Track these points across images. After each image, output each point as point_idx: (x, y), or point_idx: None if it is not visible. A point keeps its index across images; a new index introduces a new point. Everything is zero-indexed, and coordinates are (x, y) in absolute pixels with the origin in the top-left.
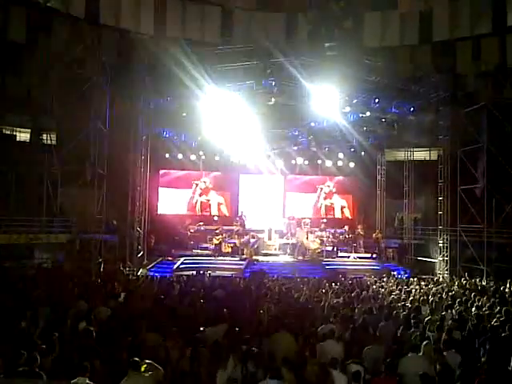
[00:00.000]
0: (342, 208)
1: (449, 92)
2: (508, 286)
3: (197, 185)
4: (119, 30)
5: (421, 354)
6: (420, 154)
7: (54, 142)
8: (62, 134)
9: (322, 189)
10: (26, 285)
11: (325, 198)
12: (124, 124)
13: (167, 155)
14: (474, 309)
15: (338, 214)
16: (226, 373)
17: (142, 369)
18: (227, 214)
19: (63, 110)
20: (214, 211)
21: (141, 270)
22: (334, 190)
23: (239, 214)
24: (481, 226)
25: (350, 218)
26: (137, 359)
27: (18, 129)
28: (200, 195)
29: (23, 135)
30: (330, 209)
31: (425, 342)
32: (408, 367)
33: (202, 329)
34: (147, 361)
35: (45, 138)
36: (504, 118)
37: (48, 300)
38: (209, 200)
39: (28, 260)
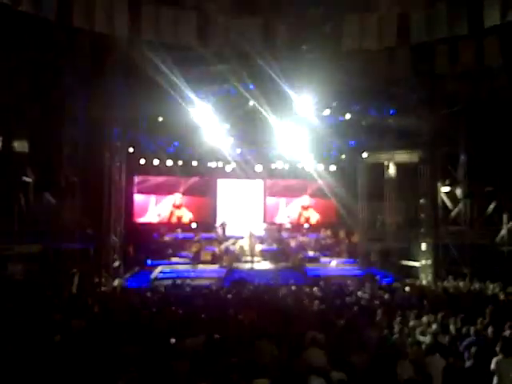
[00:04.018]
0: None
1: (428, 94)
2: (491, 287)
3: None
4: (93, 33)
5: (408, 359)
6: (401, 157)
7: (26, 150)
8: (34, 141)
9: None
10: None
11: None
12: (98, 130)
13: (143, 161)
14: (457, 312)
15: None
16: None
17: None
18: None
19: (35, 116)
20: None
21: (117, 281)
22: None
23: (220, 222)
24: (463, 227)
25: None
26: (115, 373)
27: None
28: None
29: None
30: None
31: (406, 347)
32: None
33: (173, 341)
34: (125, 374)
35: (16, 145)
36: (482, 119)
37: (22, 313)
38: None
39: (0, 272)
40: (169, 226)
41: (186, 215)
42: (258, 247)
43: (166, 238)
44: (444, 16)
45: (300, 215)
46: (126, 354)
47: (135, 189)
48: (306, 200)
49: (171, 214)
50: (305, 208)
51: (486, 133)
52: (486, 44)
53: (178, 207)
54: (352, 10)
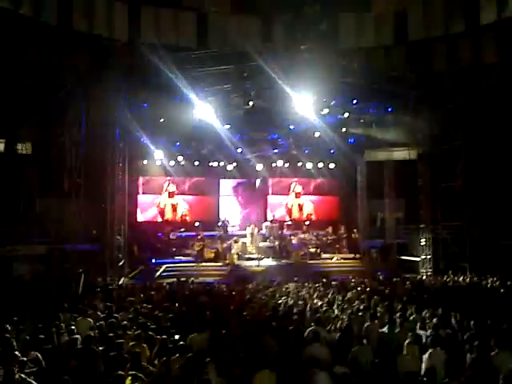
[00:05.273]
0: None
1: (426, 91)
2: (489, 281)
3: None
4: (93, 36)
5: (409, 353)
6: (400, 154)
7: (29, 152)
8: (37, 143)
9: (293, 189)
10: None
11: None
12: (100, 131)
13: (145, 162)
14: (457, 305)
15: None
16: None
17: (127, 382)
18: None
19: (38, 119)
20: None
21: (122, 279)
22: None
23: (222, 220)
24: (462, 223)
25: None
26: (121, 373)
27: None
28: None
29: None
30: (300, 208)
31: (407, 341)
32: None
33: (177, 337)
34: (132, 372)
35: (20, 148)
36: (480, 115)
37: (29, 313)
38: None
39: (7, 273)
40: (172, 225)
41: (181, 204)
42: (260, 245)
43: (170, 237)
44: (441, 13)
45: (293, 204)
46: (133, 353)
47: (140, 190)
48: (298, 188)
49: (165, 203)
50: (298, 195)
51: (485, 129)
52: (483, 40)
53: (171, 196)
54: (348, 8)
